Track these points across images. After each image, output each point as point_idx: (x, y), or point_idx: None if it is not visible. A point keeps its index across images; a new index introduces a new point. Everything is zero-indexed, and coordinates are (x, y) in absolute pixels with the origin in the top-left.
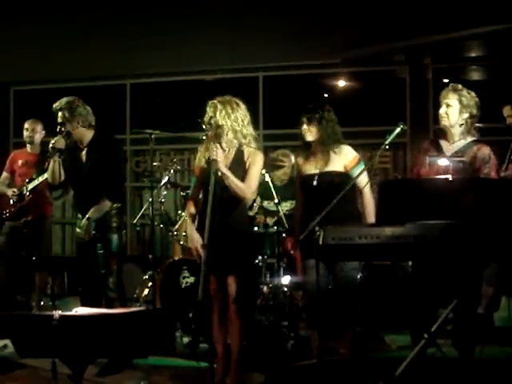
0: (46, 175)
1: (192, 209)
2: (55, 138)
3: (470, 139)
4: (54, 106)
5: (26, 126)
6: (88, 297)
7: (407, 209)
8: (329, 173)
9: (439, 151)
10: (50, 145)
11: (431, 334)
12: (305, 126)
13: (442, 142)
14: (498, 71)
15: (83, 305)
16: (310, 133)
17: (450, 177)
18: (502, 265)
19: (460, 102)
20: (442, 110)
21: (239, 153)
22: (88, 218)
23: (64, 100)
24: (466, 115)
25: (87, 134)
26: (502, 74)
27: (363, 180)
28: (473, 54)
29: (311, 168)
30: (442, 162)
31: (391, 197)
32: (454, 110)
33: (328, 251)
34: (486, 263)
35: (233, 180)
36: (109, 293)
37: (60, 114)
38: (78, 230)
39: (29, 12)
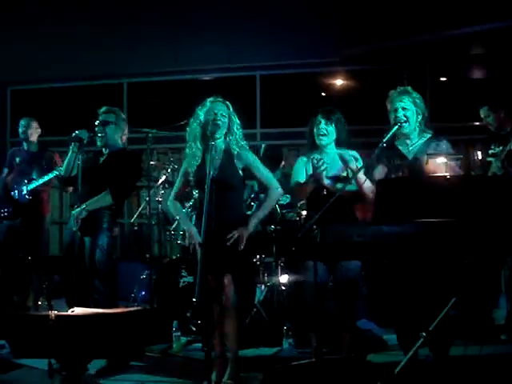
0: (46, 178)
1: (178, 207)
2: (79, 130)
3: (426, 137)
4: (103, 108)
5: (21, 123)
6: (74, 296)
7: (405, 207)
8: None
9: (399, 155)
10: (73, 134)
11: (429, 332)
12: (322, 126)
13: (399, 145)
14: (495, 70)
15: (69, 304)
16: (326, 132)
17: (448, 174)
18: (499, 263)
19: (414, 104)
20: (400, 114)
21: (228, 154)
22: (84, 207)
23: (114, 107)
24: (420, 117)
25: (118, 145)
26: (499, 72)
27: (361, 176)
28: (470, 53)
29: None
30: (440, 160)
31: (389, 195)
32: (411, 113)
33: (326, 250)
34: (485, 261)
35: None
36: (95, 292)
37: (107, 115)
38: (71, 220)
39: (26, 11)
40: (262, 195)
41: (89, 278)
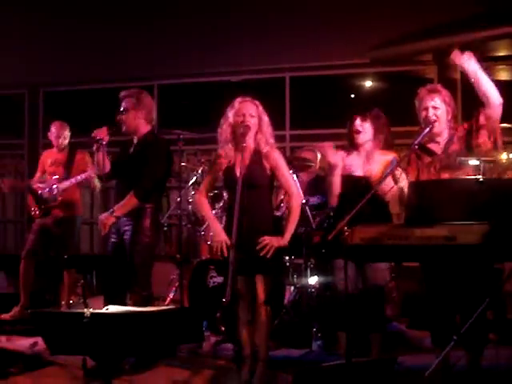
0: (78, 178)
1: (206, 205)
2: (98, 129)
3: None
4: (122, 93)
5: (54, 130)
6: (113, 295)
7: (437, 209)
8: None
9: (430, 152)
10: (92, 135)
11: (461, 335)
12: (358, 122)
13: (429, 144)
14: None
15: (107, 302)
16: (361, 129)
17: (480, 177)
18: None
19: (445, 102)
20: (431, 113)
21: (257, 153)
22: (112, 212)
23: (134, 89)
24: (450, 115)
25: (143, 128)
26: None
27: (389, 183)
28: (501, 53)
29: (356, 168)
30: (473, 162)
31: (421, 197)
32: (442, 112)
33: (356, 251)
34: None
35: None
36: (135, 292)
37: (126, 100)
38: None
39: (56, 14)
40: None
41: (127, 280)
